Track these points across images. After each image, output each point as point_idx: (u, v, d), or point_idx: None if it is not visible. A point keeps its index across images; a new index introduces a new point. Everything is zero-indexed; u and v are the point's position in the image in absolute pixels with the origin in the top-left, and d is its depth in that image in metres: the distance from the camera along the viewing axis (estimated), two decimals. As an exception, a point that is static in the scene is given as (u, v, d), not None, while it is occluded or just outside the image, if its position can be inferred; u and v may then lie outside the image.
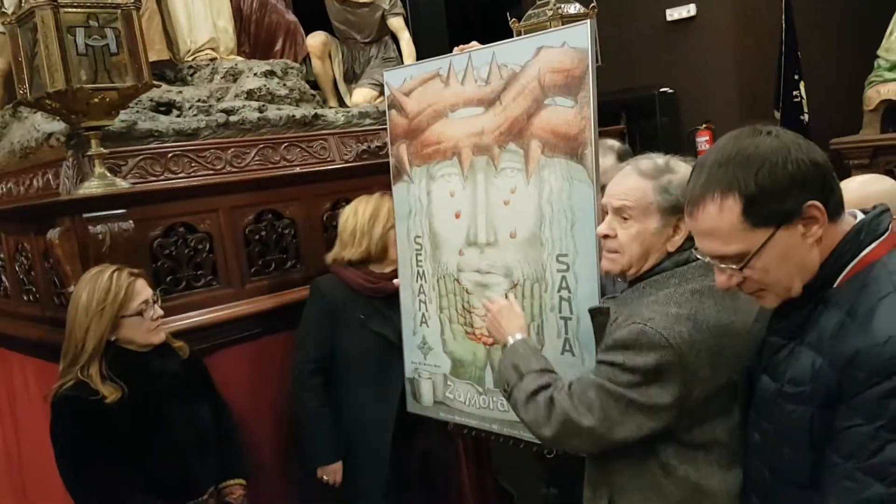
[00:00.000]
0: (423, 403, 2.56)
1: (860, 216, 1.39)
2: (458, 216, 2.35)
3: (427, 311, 2.49)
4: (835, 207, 1.34)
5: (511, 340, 1.89)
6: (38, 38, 2.34)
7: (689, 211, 1.39)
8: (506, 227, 2.22)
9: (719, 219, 1.33)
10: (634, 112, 6.27)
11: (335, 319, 2.67)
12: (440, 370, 2.48)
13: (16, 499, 3.20)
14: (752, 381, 1.53)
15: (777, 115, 5.61)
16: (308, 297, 2.74)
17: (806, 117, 5.63)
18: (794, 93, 5.61)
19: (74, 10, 2.34)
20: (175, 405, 2.29)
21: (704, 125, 6.25)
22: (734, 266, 1.36)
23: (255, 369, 2.83)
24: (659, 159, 1.73)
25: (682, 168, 1.69)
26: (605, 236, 1.75)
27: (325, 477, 2.68)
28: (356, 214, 2.70)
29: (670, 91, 6.64)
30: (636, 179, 1.70)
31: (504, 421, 2.30)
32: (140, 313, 2.21)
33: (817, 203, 1.30)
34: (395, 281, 2.60)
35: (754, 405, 1.50)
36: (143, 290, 2.24)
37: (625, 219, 1.70)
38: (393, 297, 2.62)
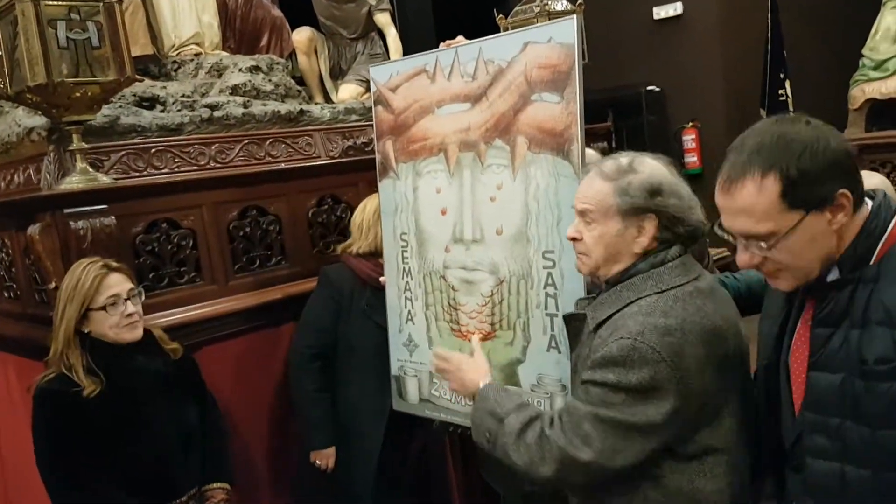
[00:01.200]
0: (409, 401, 2.54)
1: (868, 201, 1.43)
2: (444, 213, 2.33)
3: (413, 308, 2.48)
4: (860, 197, 1.39)
5: (480, 386, 1.84)
6: (18, 31, 2.31)
7: (726, 188, 1.41)
8: (492, 224, 2.21)
9: (757, 197, 1.36)
10: (621, 110, 6.29)
11: (340, 307, 2.69)
12: (426, 367, 2.46)
13: (-4, 498, 3.17)
14: (769, 380, 1.53)
15: (763, 113, 5.63)
16: (316, 284, 2.76)
17: (791, 116, 5.65)
18: (780, 91, 5.64)
19: (55, 3, 2.32)
20: (158, 404, 2.25)
21: (691, 123, 6.28)
22: (763, 244, 1.39)
23: (239, 367, 2.81)
24: (624, 159, 1.70)
25: (646, 168, 1.66)
26: (573, 239, 1.73)
27: (318, 462, 2.69)
28: (364, 210, 2.74)
29: (657, 89, 6.68)
30: (598, 182, 1.67)
31: (490, 418, 2.29)
32: (105, 308, 2.16)
33: (847, 192, 1.35)
34: (381, 279, 2.59)
35: (808, 407, 1.46)
36: (117, 284, 2.19)
37: (588, 222, 1.68)
38: None
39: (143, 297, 2.29)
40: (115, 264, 2.23)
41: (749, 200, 1.37)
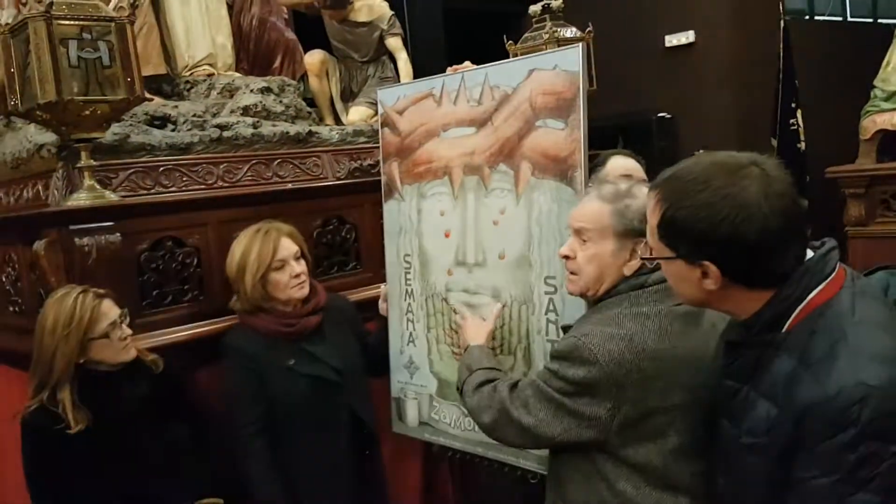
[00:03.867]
0: (409, 424, 2.53)
1: (809, 254, 1.36)
2: (447, 235, 2.34)
3: (415, 330, 2.48)
4: (750, 278, 1.34)
5: (471, 344, 2.06)
6: (30, 49, 2.34)
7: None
8: (495, 248, 2.21)
9: (649, 214, 1.42)
10: (632, 136, 6.29)
11: (258, 372, 2.38)
12: (426, 390, 2.46)
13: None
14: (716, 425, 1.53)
15: (774, 142, 5.63)
16: (224, 358, 2.46)
17: (802, 146, 5.64)
18: (791, 121, 5.63)
19: (68, 22, 2.34)
20: (144, 426, 2.25)
21: (702, 150, 6.25)
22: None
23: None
24: (622, 185, 1.78)
25: (643, 194, 1.69)
26: (566, 257, 1.80)
27: None
28: (230, 260, 2.44)
29: (668, 116, 6.68)
30: (596, 203, 1.75)
31: (488, 444, 2.27)
32: (107, 335, 2.17)
33: (712, 266, 1.33)
34: (381, 304, 2.58)
35: (719, 450, 1.49)
36: (110, 310, 2.20)
37: (584, 241, 1.75)
38: (317, 332, 2.45)
39: (127, 319, 2.27)
40: (100, 291, 2.22)
41: (647, 209, 1.44)
